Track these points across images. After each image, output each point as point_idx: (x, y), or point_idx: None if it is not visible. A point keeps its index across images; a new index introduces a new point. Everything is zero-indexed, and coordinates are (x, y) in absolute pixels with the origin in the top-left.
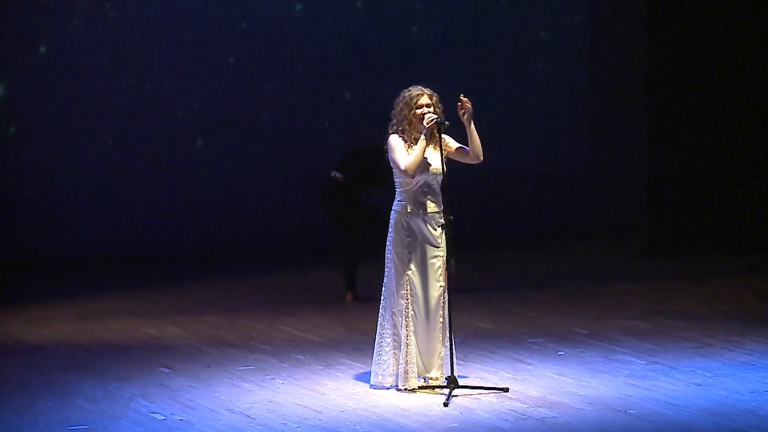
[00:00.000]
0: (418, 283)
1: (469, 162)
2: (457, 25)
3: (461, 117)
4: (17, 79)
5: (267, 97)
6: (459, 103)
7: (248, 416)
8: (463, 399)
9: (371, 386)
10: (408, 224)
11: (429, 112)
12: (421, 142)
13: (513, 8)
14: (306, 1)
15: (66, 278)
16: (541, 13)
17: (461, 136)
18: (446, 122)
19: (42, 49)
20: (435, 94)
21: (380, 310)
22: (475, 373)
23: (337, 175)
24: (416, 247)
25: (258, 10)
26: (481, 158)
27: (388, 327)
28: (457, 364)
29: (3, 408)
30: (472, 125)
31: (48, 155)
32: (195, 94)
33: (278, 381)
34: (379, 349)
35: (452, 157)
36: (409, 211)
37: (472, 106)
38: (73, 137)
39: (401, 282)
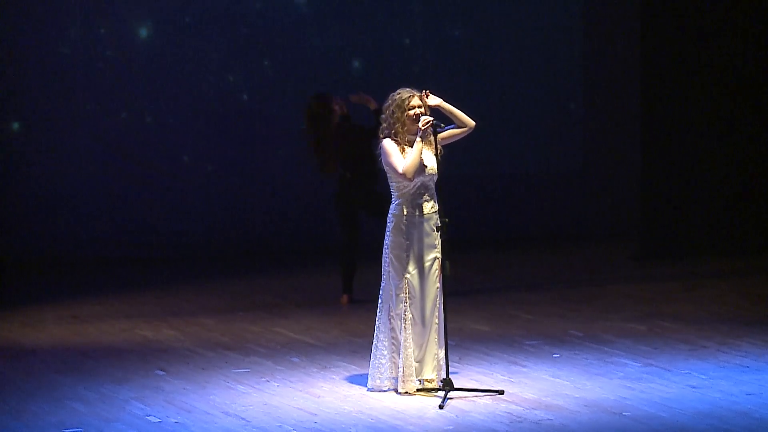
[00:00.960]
0: (417, 286)
1: (464, 133)
2: (450, 27)
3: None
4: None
5: (261, 100)
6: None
7: (243, 419)
8: (458, 401)
9: (368, 389)
10: (406, 227)
11: (422, 114)
12: (417, 144)
13: (506, 11)
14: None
15: (61, 280)
16: (535, 17)
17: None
18: (441, 125)
19: (42, 49)
20: (425, 94)
21: (377, 313)
22: (470, 375)
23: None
24: (414, 249)
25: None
26: (473, 123)
27: (386, 330)
28: (452, 366)
29: None
30: (444, 103)
31: (44, 157)
32: (191, 98)
33: (273, 383)
34: (377, 352)
35: (448, 142)
36: (406, 213)
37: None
38: (69, 140)
39: (400, 285)
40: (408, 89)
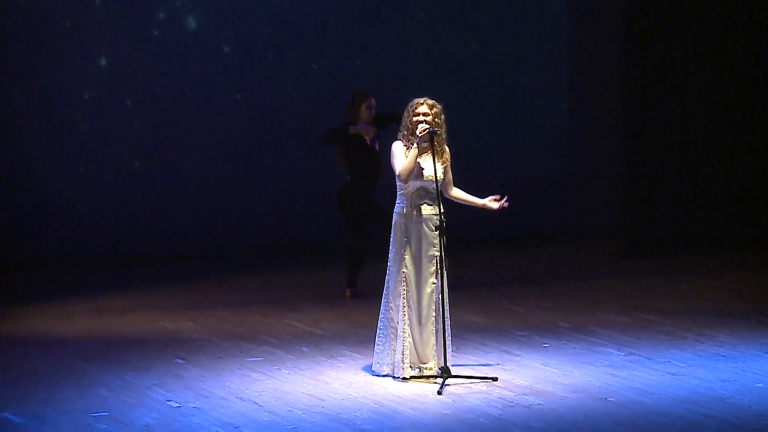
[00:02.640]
0: (414, 280)
1: (441, 190)
2: (440, 36)
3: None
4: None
5: (269, 97)
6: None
7: (257, 404)
8: (455, 387)
9: (372, 373)
10: (406, 225)
11: (423, 122)
12: (413, 150)
13: (494, 21)
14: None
15: (87, 277)
16: (520, 26)
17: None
18: (437, 131)
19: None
20: (438, 105)
21: (381, 304)
22: (466, 363)
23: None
24: (413, 246)
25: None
26: (450, 198)
27: (386, 319)
28: (451, 355)
29: (29, 397)
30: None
31: (66, 159)
32: (200, 98)
33: (284, 371)
34: (377, 340)
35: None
36: (407, 213)
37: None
38: (92, 141)
39: (399, 278)
40: (424, 97)
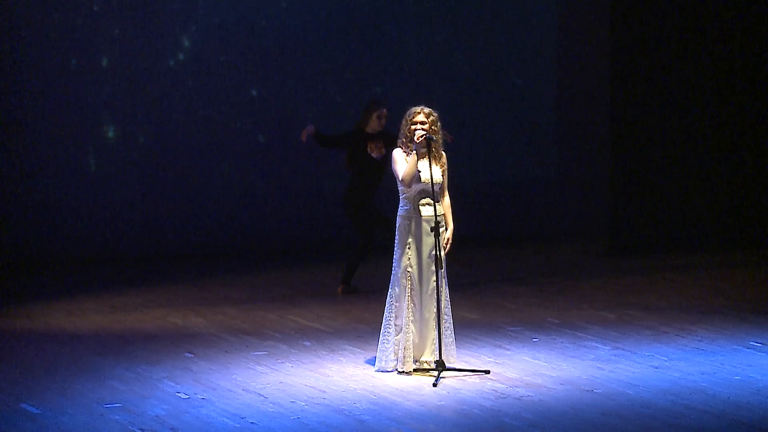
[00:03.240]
0: (417, 278)
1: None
2: (430, 42)
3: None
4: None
5: (273, 101)
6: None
7: (261, 395)
8: (450, 380)
9: (376, 370)
10: (409, 227)
11: (420, 129)
12: (413, 156)
13: (482, 25)
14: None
15: (100, 275)
16: (509, 30)
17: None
18: (433, 137)
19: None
20: (434, 113)
21: (386, 302)
22: (460, 357)
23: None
24: (415, 247)
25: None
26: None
27: (391, 318)
28: (454, 350)
29: (47, 389)
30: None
31: (84, 161)
32: (207, 99)
33: (288, 365)
34: (383, 338)
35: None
36: (410, 214)
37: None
38: (105, 142)
39: (403, 277)
40: (421, 106)
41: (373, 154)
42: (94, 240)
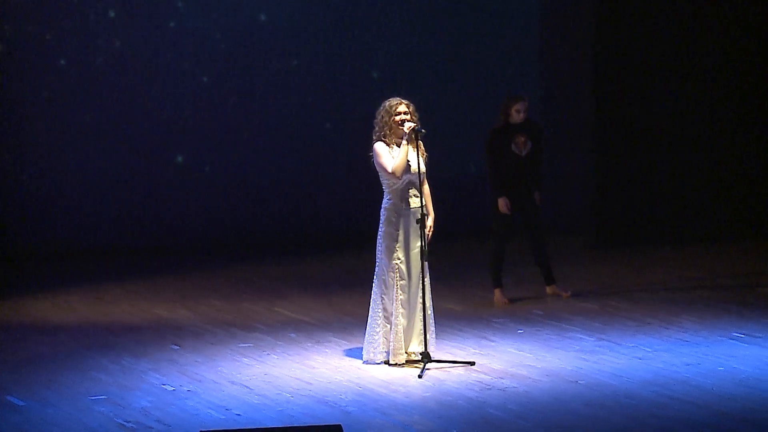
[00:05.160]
0: (405, 270)
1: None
2: (416, 41)
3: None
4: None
5: (267, 94)
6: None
7: (247, 387)
8: (435, 372)
9: (364, 362)
10: (396, 219)
11: (407, 120)
12: (404, 146)
13: (468, 23)
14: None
15: (86, 267)
16: (494, 27)
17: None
18: (423, 130)
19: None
20: (411, 104)
21: (372, 295)
22: (445, 348)
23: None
24: (403, 239)
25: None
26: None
27: (379, 309)
28: (433, 341)
29: (32, 380)
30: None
31: (68, 155)
32: (192, 94)
33: (274, 356)
34: (370, 329)
35: None
36: (396, 207)
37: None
38: (84, 136)
39: (391, 269)
40: (397, 98)
41: (517, 151)
42: (79, 233)
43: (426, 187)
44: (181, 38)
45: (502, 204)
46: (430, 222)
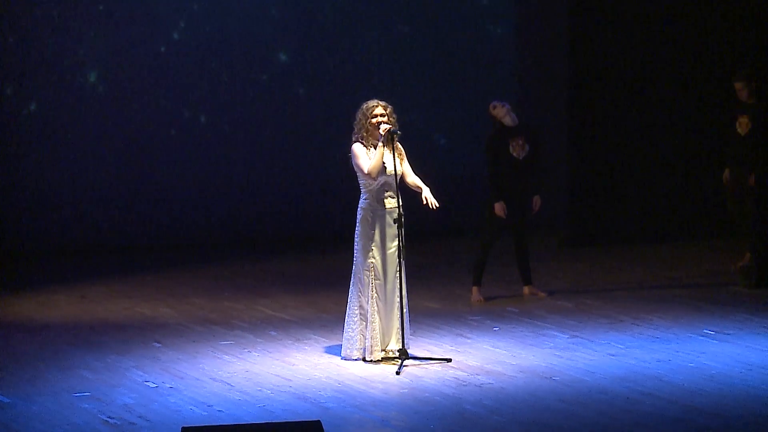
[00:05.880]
0: (381, 269)
1: (404, 179)
2: (398, 45)
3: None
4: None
5: (254, 97)
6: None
7: (229, 384)
8: (413, 368)
9: (342, 358)
10: (372, 219)
11: (383, 122)
12: (380, 148)
13: (446, 27)
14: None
15: (70, 266)
16: (472, 31)
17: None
18: (398, 132)
19: (48, 52)
20: (389, 106)
21: (349, 293)
22: (423, 345)
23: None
24: (378, 238)
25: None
26: (407, 185)
27: (356, 307)
28: (408, 338)
29: (17, 378)
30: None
31: (49, 158)
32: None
33: (254, 353)
34: (348, 327)
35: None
36: (372, 207)
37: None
38: (67, 138)
39: (367, 268)
40: (375, 100)
41: (515, 154)
42: (64, 232)
43: (412, 178)
44: (180, 39)
45: (499, 208)
46: (427, 193)
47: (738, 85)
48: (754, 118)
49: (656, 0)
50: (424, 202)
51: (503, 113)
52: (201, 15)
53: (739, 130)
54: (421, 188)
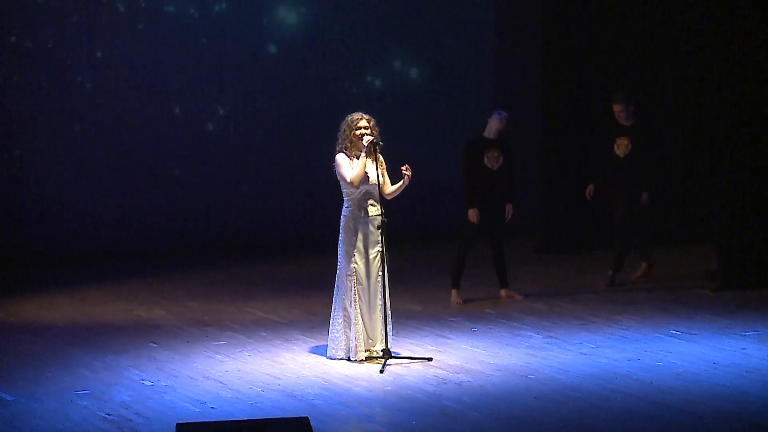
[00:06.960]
0: (363, 273)
1: (382, 193)
2: (381, 57)
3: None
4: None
5: (245, 104)
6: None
7: (221, 382)
8: (395, 367)
9: (328, 357)
10: (354, 226)
11: (367, 134)
12: (362, 158)
13: (426, 35)
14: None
15: (70, 270)
16: (450, 39)
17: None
18: (380, 143)
19: (48, 49)
20: (372, 119)
21: (333, 296)
22: (405, 345)
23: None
24: (360, 244)
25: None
26: (388, 198)
27: (340, 309)
28: (391, 339)
29: (19, 377)
30: (404, 183)
31: (49, 163)
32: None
33: (245, 353)
34: (332, 328)
35: (393, 196)
36: (354, 215)
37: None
38: (66, 144)
39: (349, 273)
40: (359, 112)
41: (489, 165)
42: (64, 237)
43: (391, 188)
44: (178, 42)
45: (472, 214)
46: (409, 173)
47: (617, 108)
48: (633, 140)
49: (627, 8)
50: (405, 175)
51: (494, 124)
52: (200, 23)
53: (617, 151)
54: (400, 185)
